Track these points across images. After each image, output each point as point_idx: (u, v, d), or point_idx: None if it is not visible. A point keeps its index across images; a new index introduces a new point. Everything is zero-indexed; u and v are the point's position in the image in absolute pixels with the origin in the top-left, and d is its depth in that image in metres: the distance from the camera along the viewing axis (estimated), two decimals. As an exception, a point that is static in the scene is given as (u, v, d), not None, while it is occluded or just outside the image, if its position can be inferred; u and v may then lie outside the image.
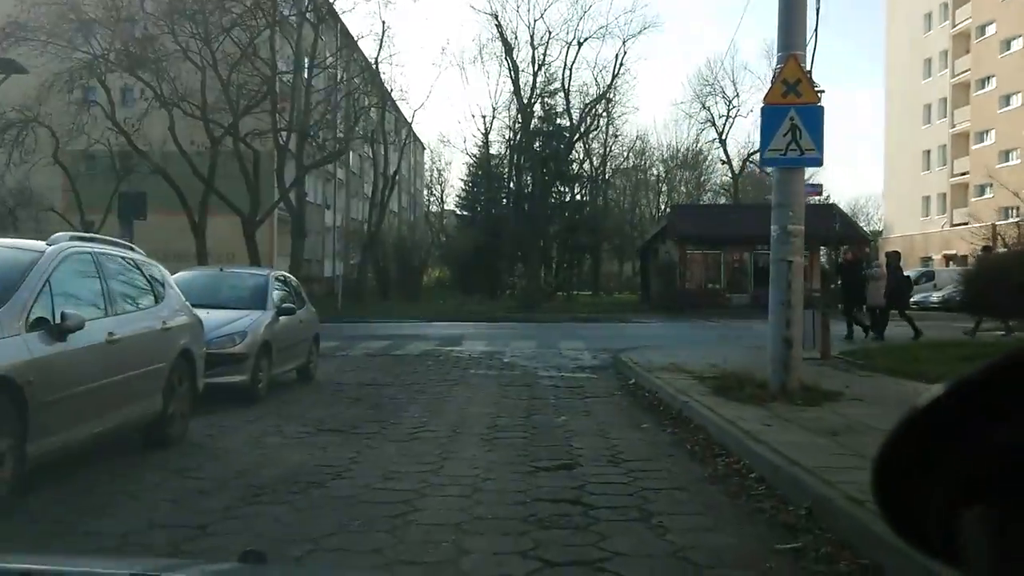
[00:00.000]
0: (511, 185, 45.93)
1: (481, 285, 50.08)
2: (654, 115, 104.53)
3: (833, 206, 33.48)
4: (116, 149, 30.12)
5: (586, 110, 34.81)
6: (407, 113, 40.06)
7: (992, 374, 0.53)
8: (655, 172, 66.16)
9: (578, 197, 48.34)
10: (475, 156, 50.52)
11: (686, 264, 31.85)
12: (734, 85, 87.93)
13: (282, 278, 10.72)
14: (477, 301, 40.65)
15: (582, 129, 35.19)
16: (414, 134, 78.80)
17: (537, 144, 38.84)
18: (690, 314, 29.35)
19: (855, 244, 29.86)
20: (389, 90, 36.02)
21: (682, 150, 64.60)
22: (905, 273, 18.14)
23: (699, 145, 64.99)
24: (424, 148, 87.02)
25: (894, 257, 17.54)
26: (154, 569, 1.14)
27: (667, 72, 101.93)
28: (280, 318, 9.57)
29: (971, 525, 0.56)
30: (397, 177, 61.09)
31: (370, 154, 41.33)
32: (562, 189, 45.02)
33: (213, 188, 29.18)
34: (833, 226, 29.19)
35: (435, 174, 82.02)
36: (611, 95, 35.32)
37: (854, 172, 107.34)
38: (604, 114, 35.84)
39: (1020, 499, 0.54)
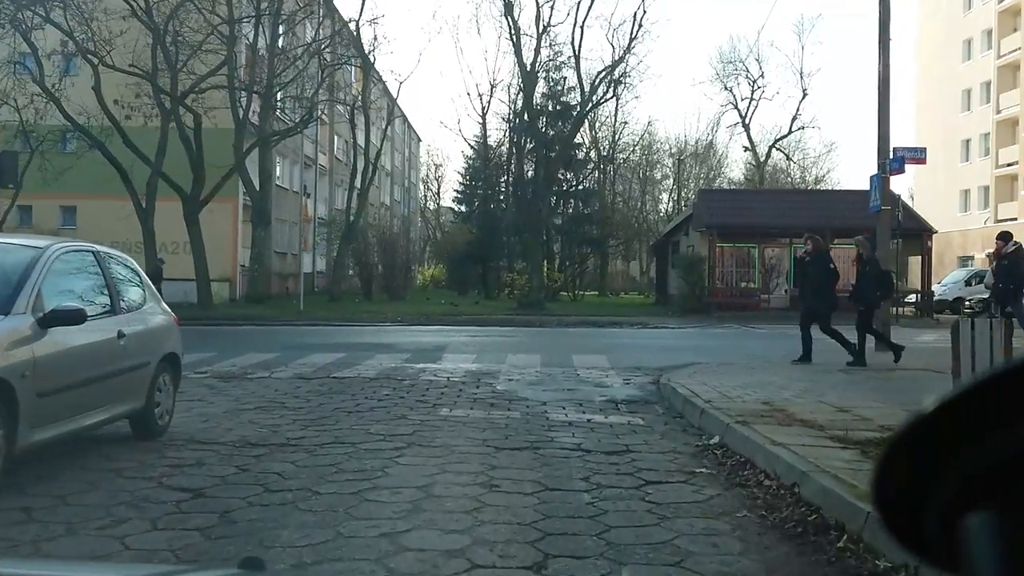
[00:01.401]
0: (510, 173, 41.31)
1: (477, 283, 45.54)
2: (664, 105, 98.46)
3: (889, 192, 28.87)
4: (35, 118, 25.29)
5: (600, 77, 29.91)
6: (393, 88, 35.20)
7: (1003, 379, 0.52)
8: (663, 168, 61.87)
9: (585, 186, 43.51)
10: (472, 144, 45.89)
11: (715, 259, 27.15)
12: (759, 64, 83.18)
13: (85, 253, 5.86)
14: (472, 301, 36.15)
15: (594, 100, 30.29)
16: (408, 121, 74.33)
17: (541, 124, 34.04)
18: (720, 318, 24.72)
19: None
20: (372, 59, 31.31)
21: (692, 142, 60.25)
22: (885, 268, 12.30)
23: (710, 137, 60.49)
24: (420, 140, 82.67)
25: (864, 244, 11.61)
26: (155, 575, 1.02)
27: (682, 51, 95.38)
28: (51, 330, 4.85)
29: (972, 530, 0.54)
30: (382, 160, 56.49)
31: (352, 137, 36.61)
32: (568, 177, 40.20)
33: (152, 164, 24.55)
34: (896, 216, 24.65)
35: (432, 168, 77.83)
36: (628, 60, 30.56)
37: (872, 162, 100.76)
38: (621, 81, 30.77)
39: (1022, 504, 0.53)
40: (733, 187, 57.59)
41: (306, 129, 30.40)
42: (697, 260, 26.97)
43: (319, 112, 29.70)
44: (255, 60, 25.40)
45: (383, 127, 36.82)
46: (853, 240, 12.37)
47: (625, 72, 30.81)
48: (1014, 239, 12.82)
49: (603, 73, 29.79)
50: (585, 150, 44.34)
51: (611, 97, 31.48)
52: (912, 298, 28.73)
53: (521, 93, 33.15)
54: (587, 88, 29.83)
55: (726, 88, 48.30)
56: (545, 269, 34.93)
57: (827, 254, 11.93)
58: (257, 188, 28.16)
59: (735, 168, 65.55)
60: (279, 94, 26.75)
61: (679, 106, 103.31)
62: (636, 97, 66.78)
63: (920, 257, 27.12)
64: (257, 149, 28.02)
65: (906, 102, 60.77)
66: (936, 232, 29.00)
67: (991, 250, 14.07)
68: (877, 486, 0.58)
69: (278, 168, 38.44)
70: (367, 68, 30.88)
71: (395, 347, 14.84)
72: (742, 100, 48.27)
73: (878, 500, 0.59)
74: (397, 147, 70.02)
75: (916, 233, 25.84)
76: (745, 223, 26.46)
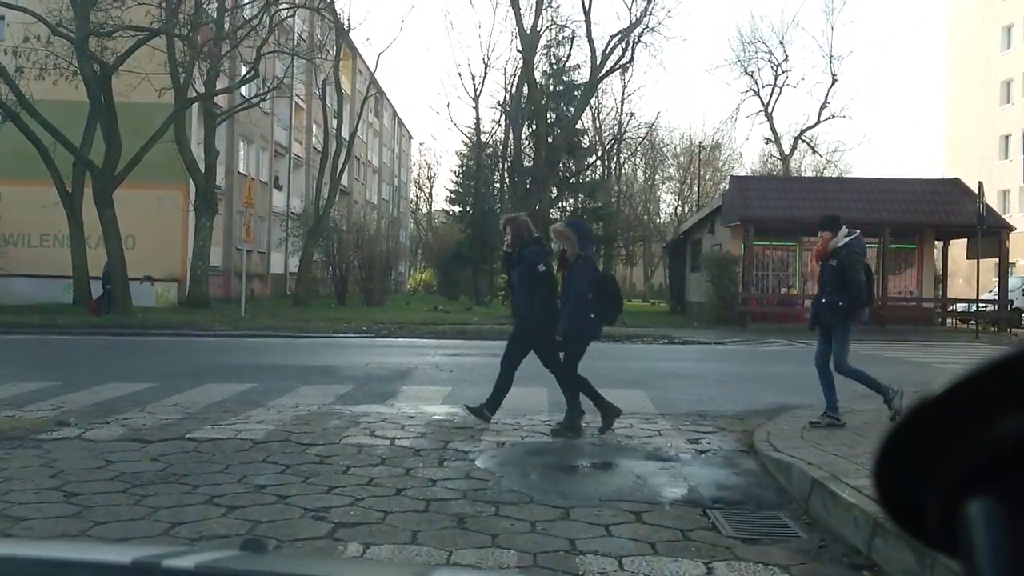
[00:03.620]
0: (505, 164, 36.97)
1: (468, 288, 41.33)
2: (671, 103, 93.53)
3: (958, 181, 24.54)
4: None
5: (615, 40, 25.30)
6: (371, 60, 30.75)
7: (1008, 365, 0.51)
8: (665, 170, 58.01)
9: (591, 178, 39.09)
10: (463, 133, 41.57)
11: (751, 259, 22.78)
12: (783, 47, 77.95)
13: None
14: (463, 307, 31.81)
15: (606, 68, 25.66)
16: (398, 117, 69.96)
17: (542, 101, 29.64)
18: (758, 331, 20.35)
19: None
20: (345, 23, 26.92)
21: (698, 143, 56.27)
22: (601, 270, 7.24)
23: (716, 136, 56.44)
24: (411, 138, 78.53)
25: (566, 236, 7.00)
26: (155, 557, 0.97)
27: (695, 39, 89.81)
28: None
29: (972, 516, 0.54)
30: (369, 154, 52.00)
31: (324, 120, 32.15)
32: (570, 166, 35.77)
33: (56, 133, 20.20)
34: (977, 208, 20.32)
35: (424, 168, 73.74)
36: (649, 21, 26.06)
37: (895, 156, 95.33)
38: (640, 40, 26.13)
39: (1021, 491, 0.54)
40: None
41: (262, 100, 25.92)
42: (728, 261, 22.53)
43: (279, 81, 25.21)
44: (197, 8, 20.92)
45: (360, 110, 32.30)
46: (551, 229, 7.25)
47: (644, 31, 26.16)
48: (846, 227, 6.86)
49: (618, 36, 25.37)
50: (590, 139, 40.04)
51: (628, 62, 26.96)
52: (959, 307, 24.37)
53: (519, 70, 28.84)
54: (598, 54, 25.37)
55: (746, 73, 43.96)
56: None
57: (539, 247, 7.05)
58: (201, 168, 23.63)
59: (746, 170, 61.46)
60: (226, 47, 22.20)
61: (686, 106, 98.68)
62: (654, 53, 61.17)
63: (997, 260, 22.66)
64: (203, 123, 23.58)
65: (934, 91, 56.43)
66: (1015, 229, 24.72)
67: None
68: (879, 469, 0.57)
69: (242, 154, 34.07)
70: (339, 28, 26.57)
71: (336, 372, 10.41)
72: (764, 87, 43.91)
73: (879, 483, 0.58)
74: (386, 142, 65.65)
75: (993, 231, 21.48)
76: (787, 216, 22.03)
